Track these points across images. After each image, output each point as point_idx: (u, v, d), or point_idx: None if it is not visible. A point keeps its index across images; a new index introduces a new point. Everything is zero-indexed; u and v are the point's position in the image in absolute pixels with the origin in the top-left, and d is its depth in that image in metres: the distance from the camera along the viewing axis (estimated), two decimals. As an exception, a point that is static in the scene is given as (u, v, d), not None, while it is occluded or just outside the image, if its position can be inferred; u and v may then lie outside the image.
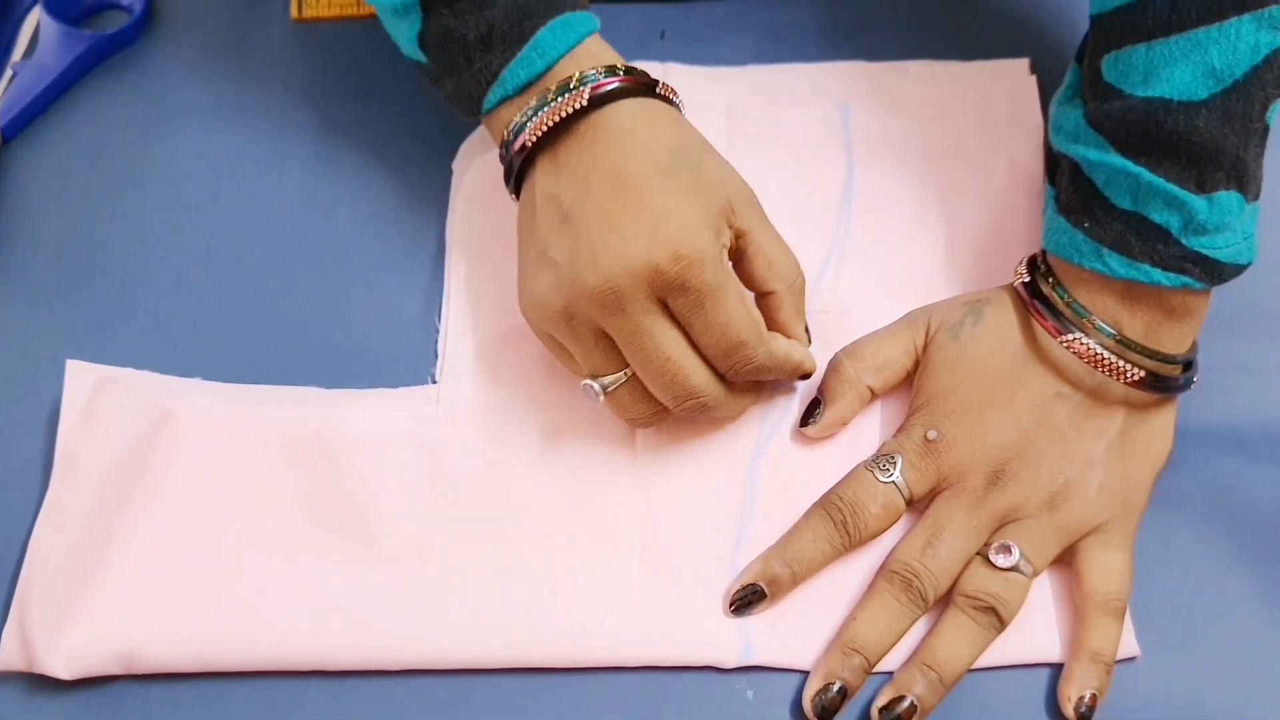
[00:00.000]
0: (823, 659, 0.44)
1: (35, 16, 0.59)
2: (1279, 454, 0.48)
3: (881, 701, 0.43)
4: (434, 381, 0.50)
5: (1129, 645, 0.44)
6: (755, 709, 0.44)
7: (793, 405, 0.49)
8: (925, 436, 0.46)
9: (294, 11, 0.59)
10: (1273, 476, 0.47)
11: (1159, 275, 0.43)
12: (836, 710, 0.43)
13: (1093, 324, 0.44)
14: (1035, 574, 0.44)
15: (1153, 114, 0.42)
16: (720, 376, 0.45)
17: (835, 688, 0.43)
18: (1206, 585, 0.45)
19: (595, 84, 0.44)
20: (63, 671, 0.44)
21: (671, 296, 0.43)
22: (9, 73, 0.57)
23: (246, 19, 0.60)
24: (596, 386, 0.45)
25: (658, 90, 0.46)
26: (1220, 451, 0.48)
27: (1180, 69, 0.42)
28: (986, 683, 0.44)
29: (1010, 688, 0.44)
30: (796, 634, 0.45)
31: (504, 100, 0.46)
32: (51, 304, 0.52)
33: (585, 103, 0.44)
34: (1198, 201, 0.42)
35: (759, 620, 0.45)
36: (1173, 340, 0.44)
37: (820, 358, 0.48)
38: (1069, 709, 0.43)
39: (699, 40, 0.57)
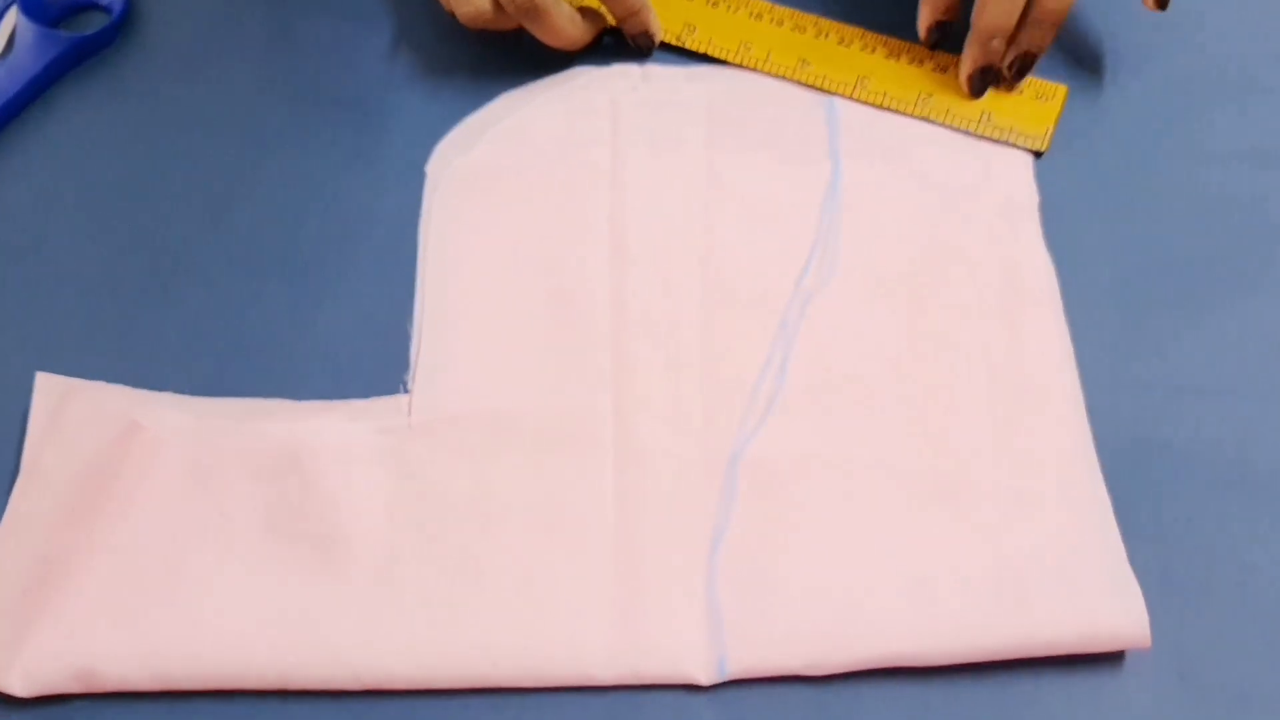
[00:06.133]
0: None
1: (12, 17, 0.59)
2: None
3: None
4: (406, 390, 0.49)
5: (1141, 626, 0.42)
6: (718, 740, 0.43)
7: (772, 409, 0.47)
8: None
9: (274, 13, 0.59)
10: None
11: None
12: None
13: None
14: None
15: None
16: None
17: None
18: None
19: None
20: (19, 689, 0.43)
21: None
22: (-16, 73, 0.57)
23: (226, 22, 0.59)
24: None
25: None
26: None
27: None
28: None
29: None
30: (774, 639, 0.43)
31: None
32: (21, 310, 0.52)
33: None
34: None
35: (735, 631, 0.43)
36: None
37: (811, 351, 0.48)
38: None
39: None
